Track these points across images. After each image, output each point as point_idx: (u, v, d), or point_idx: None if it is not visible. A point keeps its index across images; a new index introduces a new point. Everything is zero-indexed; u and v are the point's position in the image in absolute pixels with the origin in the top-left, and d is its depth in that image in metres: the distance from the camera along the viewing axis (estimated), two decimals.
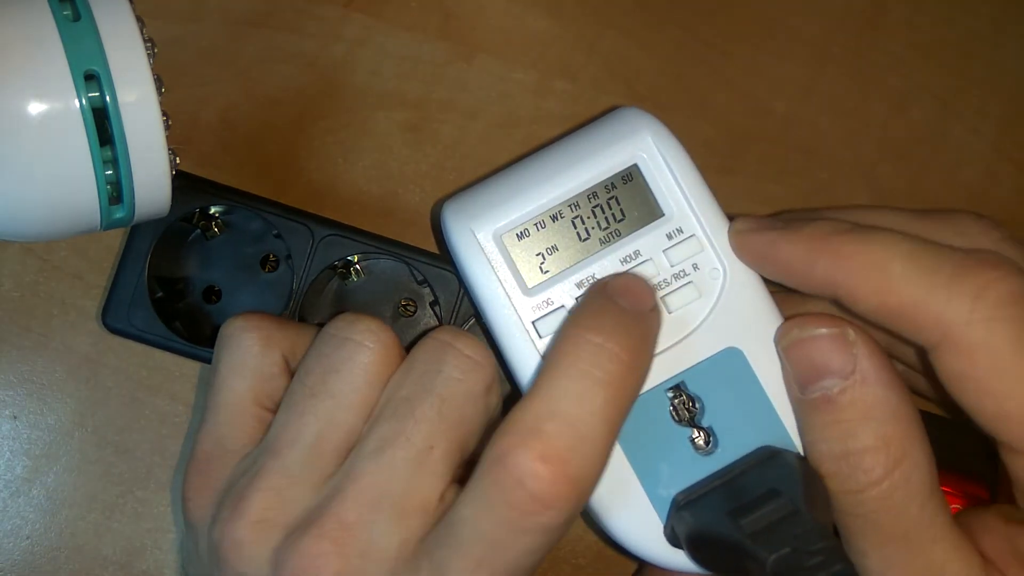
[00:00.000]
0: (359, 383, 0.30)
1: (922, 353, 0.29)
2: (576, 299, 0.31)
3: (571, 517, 0.27)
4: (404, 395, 0.30)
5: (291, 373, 0.32)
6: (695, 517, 0.29)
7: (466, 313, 0.36)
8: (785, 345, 0.30)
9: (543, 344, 0.31)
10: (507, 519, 0.26)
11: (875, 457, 0.28)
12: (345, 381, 0.30)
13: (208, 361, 0.35)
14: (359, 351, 0.30)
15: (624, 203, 0.32)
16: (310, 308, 0.36)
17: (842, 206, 0.34)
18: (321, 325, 0.32)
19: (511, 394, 0.33)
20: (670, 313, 0.31)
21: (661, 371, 0.31)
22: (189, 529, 0.31)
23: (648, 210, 0.32)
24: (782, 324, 0.31)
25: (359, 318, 0.31)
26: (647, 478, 0.30)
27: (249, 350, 0.31)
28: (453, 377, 0.30)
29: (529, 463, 0.26)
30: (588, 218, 0.32)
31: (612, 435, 0.27)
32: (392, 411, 0.29)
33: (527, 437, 0.26)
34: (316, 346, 0.31)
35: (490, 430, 0.28)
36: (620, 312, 0.29)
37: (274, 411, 0.31)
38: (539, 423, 0.26)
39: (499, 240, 0.31)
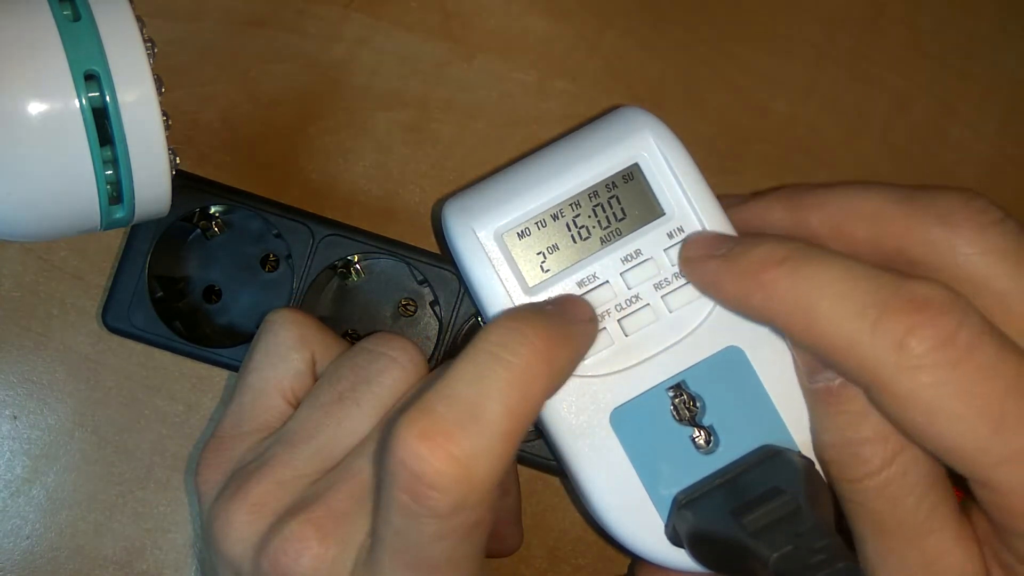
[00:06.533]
0: (385, 397, 0.31)
1: None
2: None
3: (467, 502, 0.25)
4: None
5: (315, 376, 0.32)
6: (696, 516, 0.29)
7: (466, 313, 0.36)
8: None
9: None
10: (401, 504, 0.26)
11: (873, 448, 0.28)
12: (373, 393, 0.31)
13: (208, 361, 0.36)
14: (392, 366, 0.31)
15: (625, 202, 0.32)
16: (310, 308, 0.36)
17: (834, 182, 0.33)
18: (347, 336, 0.34)
19: None
20: (671, 313, 0.31)
21: (662, 370, 0.31)
22: (199, 504, 0.32)
23: (649, 209, 0.32)
24: None
25: (395, 337, 0.32)
26: (648, 477, 0.30)
27: (285, 341, 0.32)
28: None
29: (409, 442, 0.25)
30: (589, 217, 0.32)
31: (513, 421, 0.26)
32: None
33: (414, 416, 0.25)
34: (350, 356, 0.32)
35: None
36: (543, 310, 0.29)
37: (295, 405, 0.32)
38: (430, 403, 0.25)
39: (500, 239, 0.31)
